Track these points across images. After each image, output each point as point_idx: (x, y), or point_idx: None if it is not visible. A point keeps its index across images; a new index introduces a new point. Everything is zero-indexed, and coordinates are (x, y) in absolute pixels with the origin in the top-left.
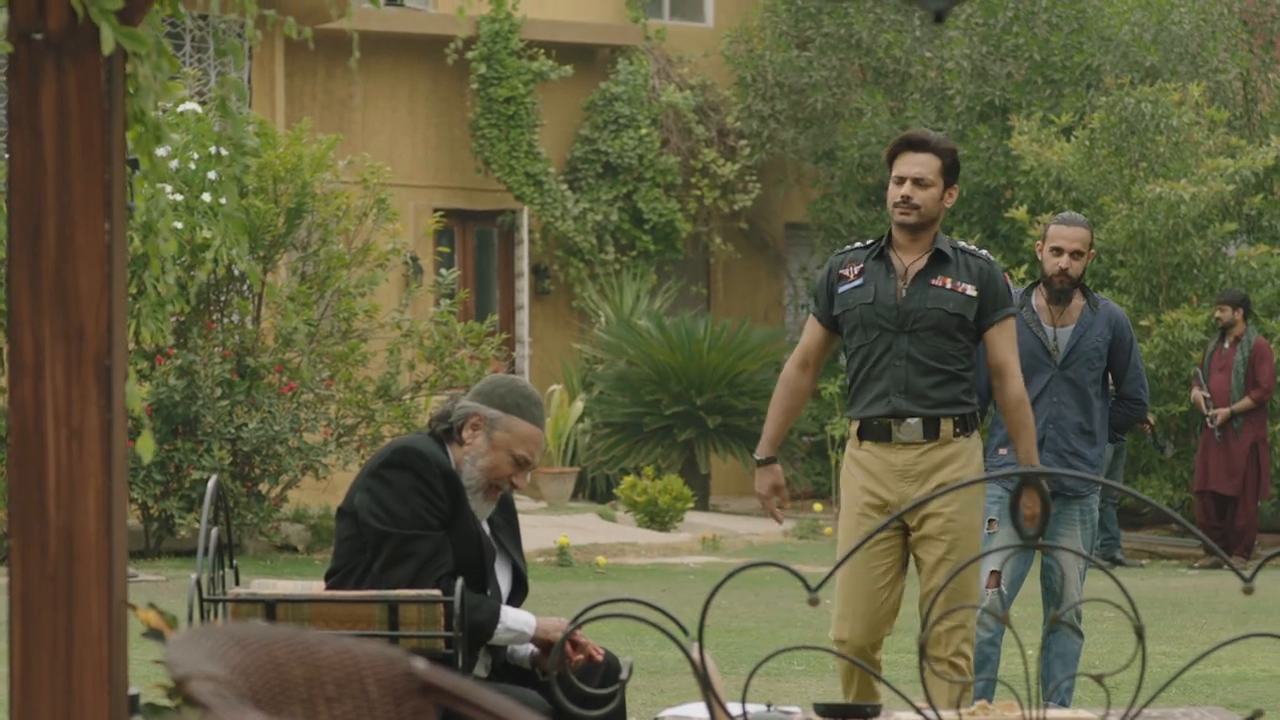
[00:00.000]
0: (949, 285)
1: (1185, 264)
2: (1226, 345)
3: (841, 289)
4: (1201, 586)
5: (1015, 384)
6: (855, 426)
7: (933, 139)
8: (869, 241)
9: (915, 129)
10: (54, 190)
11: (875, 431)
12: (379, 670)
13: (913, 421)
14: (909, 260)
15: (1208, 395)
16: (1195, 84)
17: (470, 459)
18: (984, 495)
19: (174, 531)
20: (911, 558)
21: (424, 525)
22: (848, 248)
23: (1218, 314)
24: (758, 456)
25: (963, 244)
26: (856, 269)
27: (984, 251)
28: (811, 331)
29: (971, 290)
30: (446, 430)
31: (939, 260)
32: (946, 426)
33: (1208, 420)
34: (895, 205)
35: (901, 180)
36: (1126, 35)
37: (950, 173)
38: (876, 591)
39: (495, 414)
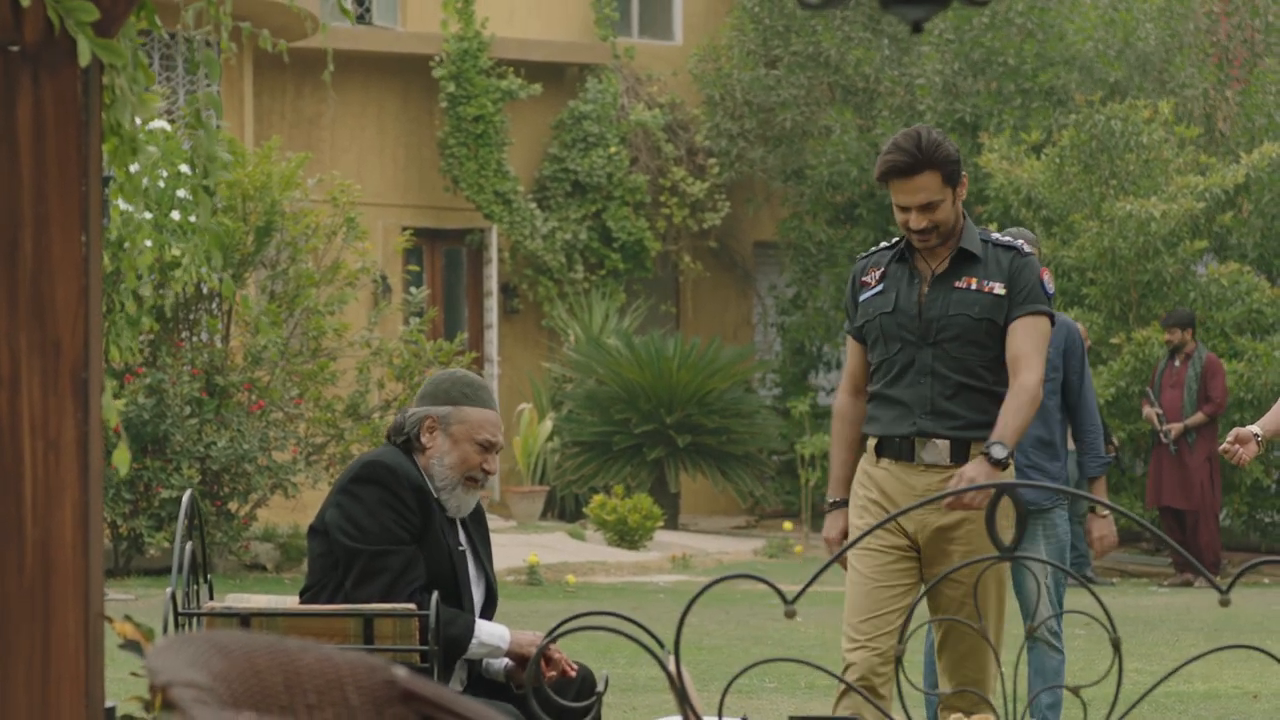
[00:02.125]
0: (974, 286)
1: (1155, 282)
2: (1178, 363)
3: (863, 297)
4: (1172, 604)
5: (1029, 376)
6: (873, 443)
7: (920, 156)
8: (894, 241)
9: (895, 150)
10: (30, 202)
11: (896, 449)
12: (360, 678)
13: (940, 443)
14: (934, 263)
15: (1160, 412)
16: (1165, 101)
17: (437, 460)
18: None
19: (143, 550)
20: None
21: (394, 540)
22: (871, 250)
23: (1167, 337)
24: (830, 499)
25: (998, 235)
26: (878, 273)
27: (1021, 242)
28: (852, 352)
29: (1000, 289)
30: (406, 441)
31: (965, 260)
32: (976, 450)
33: (1161, 436)
34: (910, 232)
35: (906, 209)
36: (1091, 52)
37: (953, 176)
38: (887, 614)
39: (445, 410)
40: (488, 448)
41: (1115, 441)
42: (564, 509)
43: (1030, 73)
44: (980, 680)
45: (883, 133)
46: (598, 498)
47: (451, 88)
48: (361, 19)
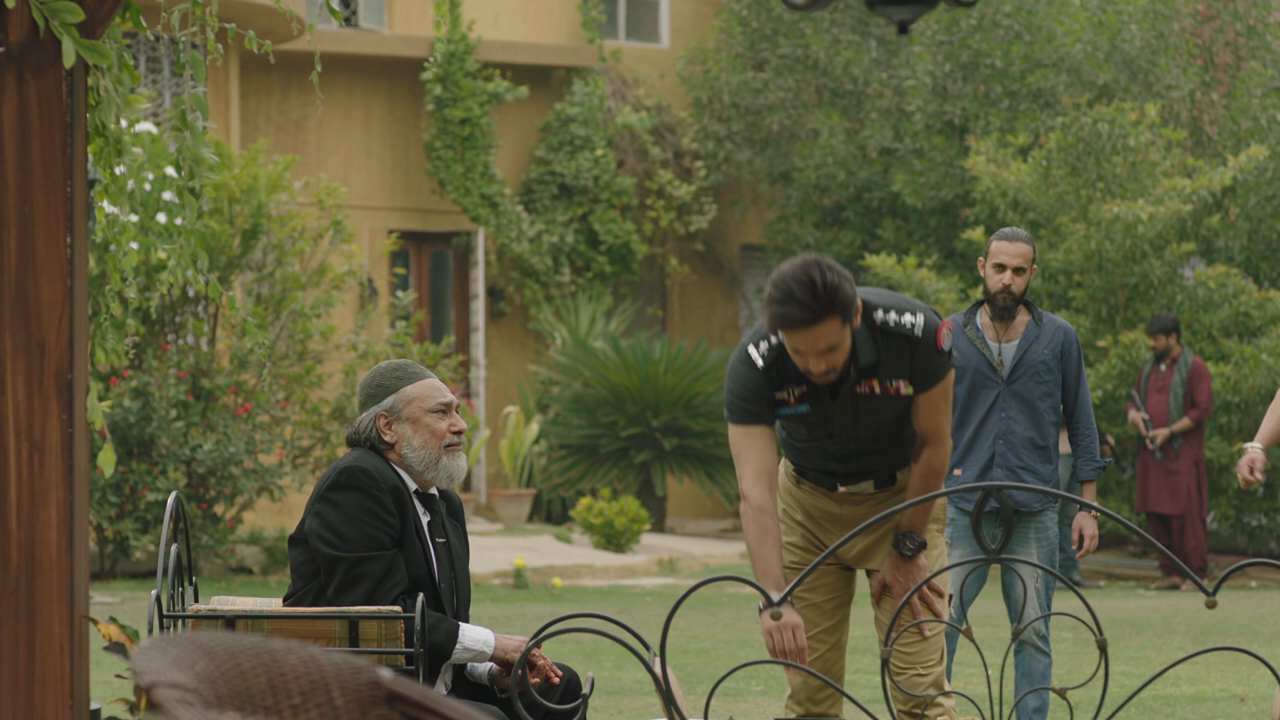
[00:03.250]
0: (878, 390)
1: (1142, 284)
2: (1163, 367)
3: (783, 411)
4: (1159, 607)
5: (942, 450)
6: (793, 468)
7: (819, 306)
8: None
9: (791, 302)
10: (15, 203)
11: (817, 479)
12: (344, 679)
13: (864, 483)
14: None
15: (1146, 417)
16: (1151, 104)
17: (408, 449)
18: (939, 550)
19: (129, 554)
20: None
21: (375, 545)
22: (766, 359)
23: (1152, 344)
24: (775, 598)
25: (880, 313)
26: (797, 393)
27: (906, 316)
28: (757, 444)
29: (905, 387)
30: (372, 445)
31: (860, 368)
32: (903, 475)
33: (1147, 442)
34: (810, 374)
35: (801, 353)
36: (1079, 54)
37: (849, 312)
38: (820, 632)
39: (389, 401)
40: (445, 410)
41: (1111, 442)
42: (551, 512)
43: (1019, 75)
44: (933, 679)
45: (870, 135)
46: (584, 501)
47: (438, 90)
48: (348, 21)
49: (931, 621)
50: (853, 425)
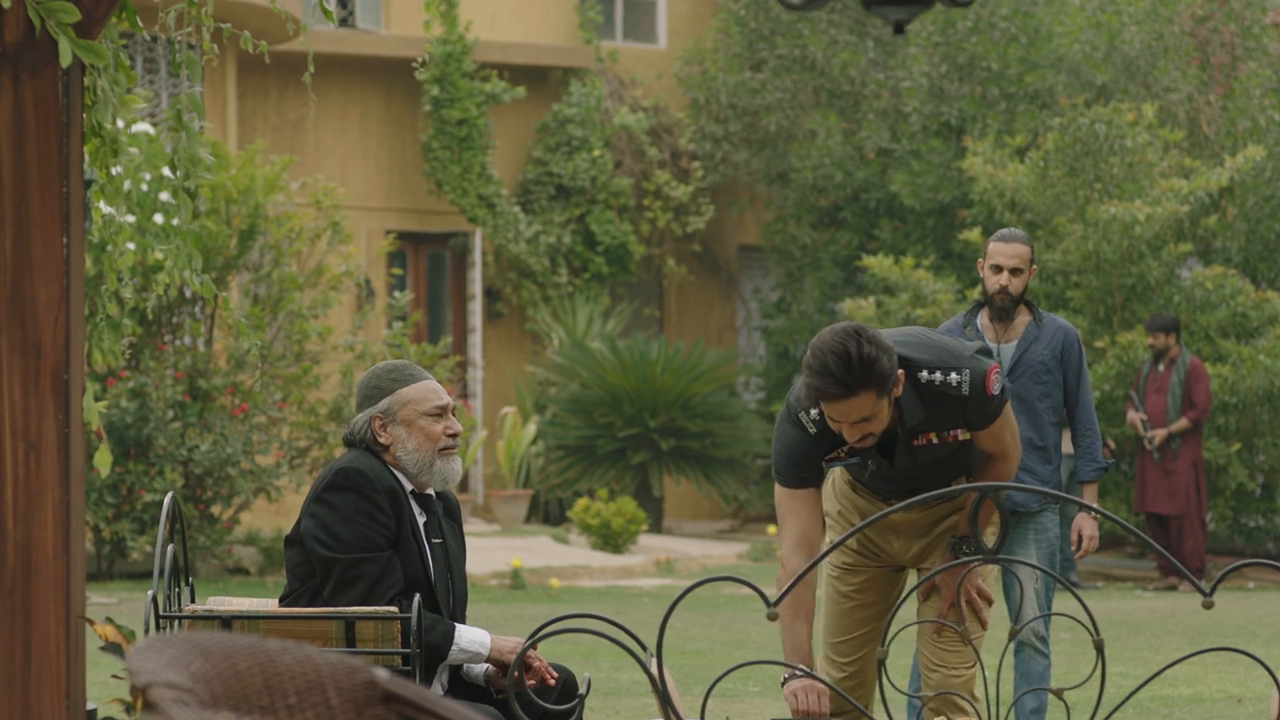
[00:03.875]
0: (936, 440)
1: (1140, 285)
2: (1161, 368)
3: (835, 464)
4: (1157, 608)
5: (1009, 465)
6: (848, 473)
7: (854, 381)
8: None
9: (826, 375)
10: (10, 203)
11: (866, 477)
12: (340, 679)
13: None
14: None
15: (1144, 417)
16: (1149, 104)
17: (402, 451)
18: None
19: (126, 554)
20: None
21: (370, 546)
22: (815, 427)
23: (1151, 341)
24: (793, 673)
25: (926, 374)
26: (844, 451)
27: (953, 376)
28: (801, 508)
29: (963, 434)
30: (367, 447)
31: (910, 428)
32: (959, 483)
33: (1145, 442)
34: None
35: (838, 421)
36: (1077, 54)
37: (887, 386)
38: (864, 634)
39: (385, 403)
40: (440, 413)
41: (1111, 444)
42: (548, 513)
43: (1015, 76)
44: (964, 680)
45: (868, 136)
46: (582, 501)
47: (435, 91)
48: (344, 22)
49: (945, 623)
50: (912, 466)
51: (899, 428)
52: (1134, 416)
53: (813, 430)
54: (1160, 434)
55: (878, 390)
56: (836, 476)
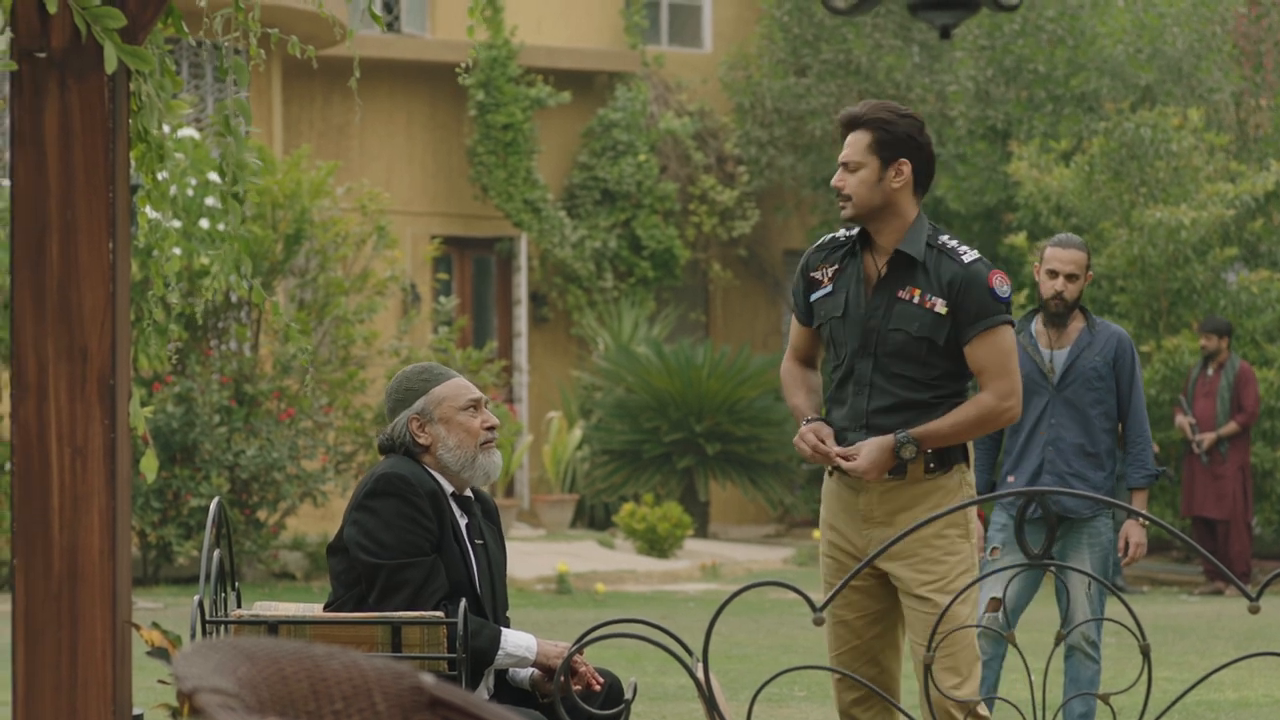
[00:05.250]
0: (916, 299)
1: (1185, 289)
2: (1210, 372)
3: (814, 296)
4: (1203, 613)
5: (987, 395)
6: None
7: (860, 115)
8: (853, 231)
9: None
10: (57, 209)
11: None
12: (386, 685)
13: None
14: (879, 262)
15: (1193, 421)
16: (1194, 108)
17: (444, 450)
18: (969, 539)
19: (172, 559)
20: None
21: (414, 551)
22: (824, 240)
23: (1203, 342)
24: (806, 419)
25: (945, 239)
26: (830, 271)
27: (966, 250)
28: (796, 330)
29: (941, 306)
30: (407, 450)
31: (905, 264)
32: (916, 462)
33: (1194, 446)
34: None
35: (841, 166)
36: (1121, 55)
37: (888, 146)
38: (860, 646)
39: (419, 404)
40: (475, 407)
41: (1156, 449)
42: (593, 517)
43: (1062, 79)
44: (963, 663)
45: None
46: (627, 506)
47: (481, 96)
48: (390, 27)
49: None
50: (882, 324)
51: (889, 268)
52: (1182, 420)
53: (816, 243)
54: (1209, 438)
55: (872, 135)
56: (825, 483)
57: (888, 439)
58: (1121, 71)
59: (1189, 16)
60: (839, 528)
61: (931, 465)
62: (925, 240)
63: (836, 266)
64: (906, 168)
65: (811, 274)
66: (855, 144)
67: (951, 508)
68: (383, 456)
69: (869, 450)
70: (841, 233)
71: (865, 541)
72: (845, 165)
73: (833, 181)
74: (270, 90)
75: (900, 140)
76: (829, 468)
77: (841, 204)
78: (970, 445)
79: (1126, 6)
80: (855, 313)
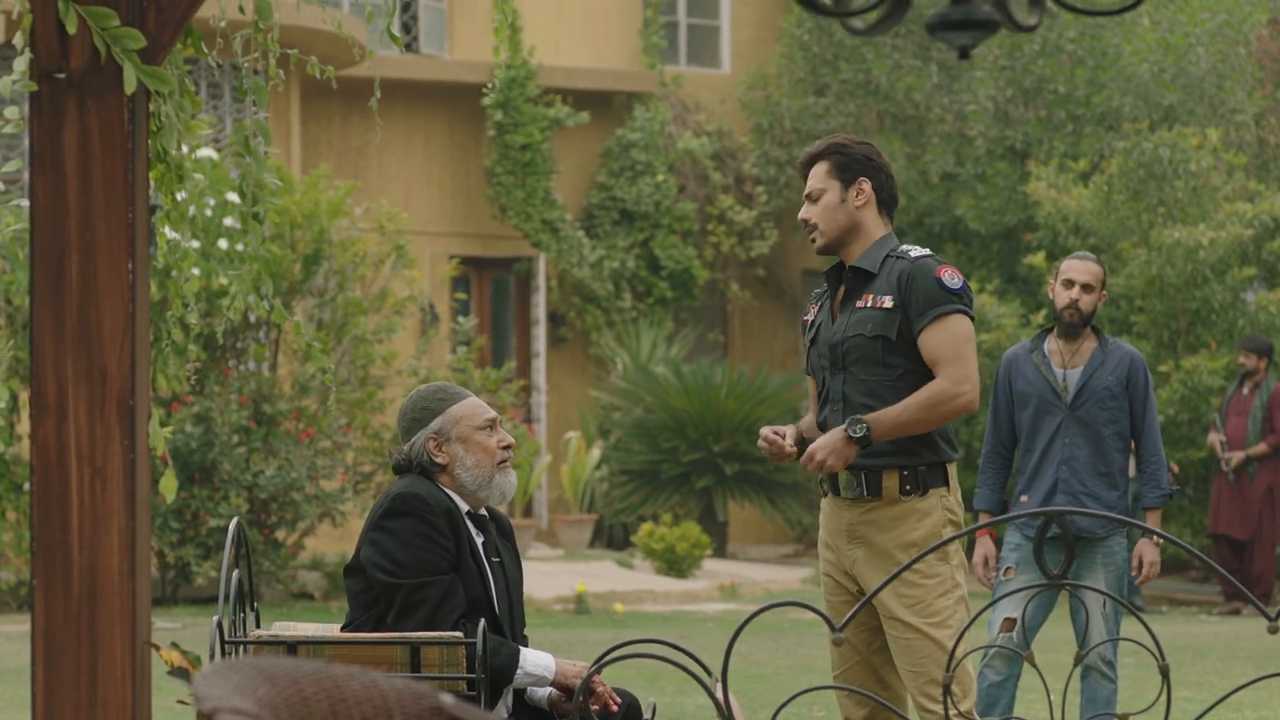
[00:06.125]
0: (870, 303)
1: (1204, 309)
2: (1245, 391)
3: (806, 336)
4: (1221, 633)
5: (940, 381)
6: (821, 475)
7: (818, 151)
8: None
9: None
10: (76, 229)
11: (830, 481)
12: (406, 705)
13: (852, 476)
14: (844, 285)
15: (1224, 439)
16: (1213, 128)
17: (461, 470)
18: (947, 561)
19: (191, 579)
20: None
21: (432, 570)
22: (820, 287)
23: (1242, 359)
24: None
25: (905, 247)
26: (815, 309)
27: (916, 250)
28: (810, 386)
29: (889, 301)
30: (423, 470)
31: (861, 278)
32: (890, 481)
33: (1222, 464)
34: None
35: (806, 199)
36: (1146, 74)
37: (846, 169)
38: (855, 667)
39: (436, 423)
40: (491, 426)
41: (1175, 470)
42: (612, 537)
43: (1083, 99)
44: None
45: (932, 160)
46: (646, 526)
47: (499, 116)
48: (409, 47)
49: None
50: (843, 336)
51: (848, 285)
52: (1214, 438)
53: (807, 305)
54: (1238, 456)
55: (830, 163)
56: (822, 504)
57: (840, 426)
58: (1145, 91)
59: (1214, 37)
60: (833, 546)
61: (907, 487)
62: (885, 254)
63: (819, 305)
64: (867, 185)
65: (805, 319)
66: (815, 175)
67: (958, 534)
68: (397, 476)
69: (824, 439)
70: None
71: (850, 561)
72: (809, 197)
73: (800, 215)
74: (289, 110)
75: (857, 161)
76: (823, 489)
77: (811, 236)
78: (952, 470)
79: (1152, 26)
80: (825, 335)
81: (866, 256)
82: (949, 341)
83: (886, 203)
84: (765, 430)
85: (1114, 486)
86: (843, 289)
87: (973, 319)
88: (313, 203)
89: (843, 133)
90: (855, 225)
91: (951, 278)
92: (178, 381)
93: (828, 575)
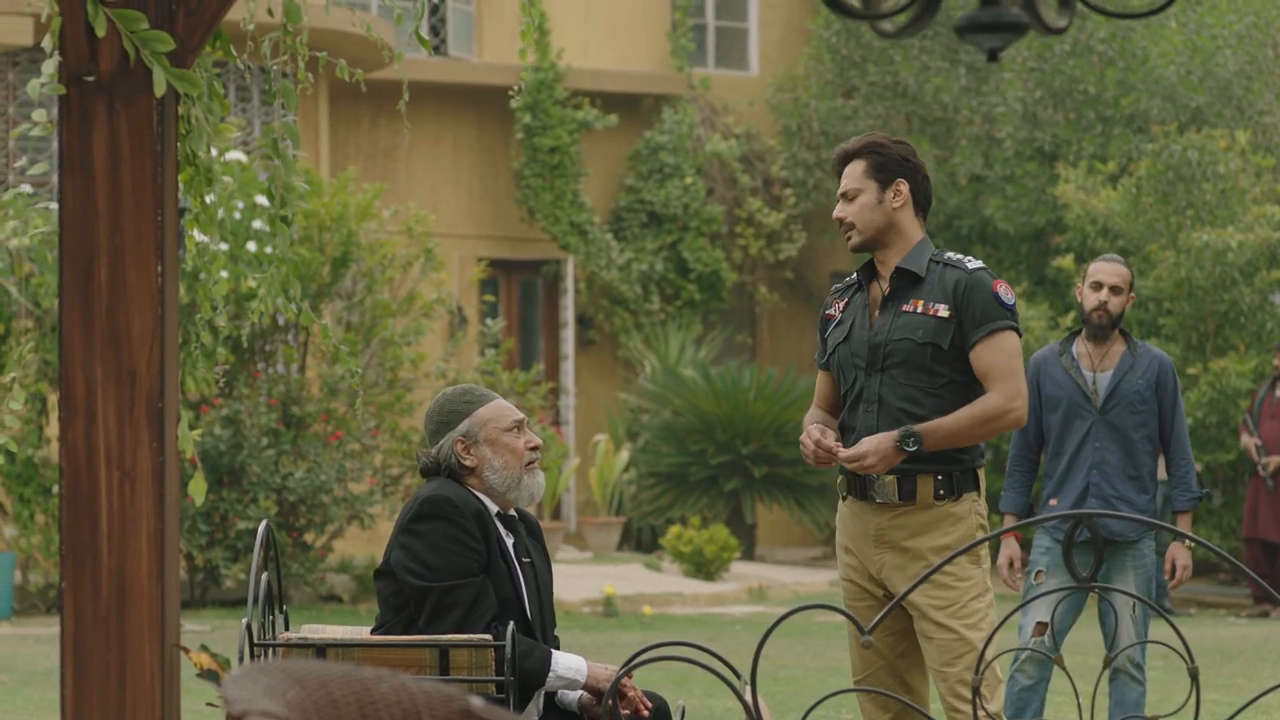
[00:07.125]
0: (920, 309)
1: (1232, 312)
2: (1278, 393)
3: (828, 330)
4: (1250, 635)
5: (993, 397)
6: (841, 479)
7: (853, 149)
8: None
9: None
10: (105, 232)
11: (856, 485)
12: (435, 708)
13: (888, 479)
14: (884, 284)
15: (1259, 443)
16: (1241, 130)
17: (490, 472)
18: (979, 565)
19: (219, 582)
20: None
21: (463, 573)
22: (841, 283)
23: (1276, 361)
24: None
25: (950, 254)
26: (841, 305)
27: (970, 260)
28: (820, 379)
29: (944, 310)
30: (451, 473)
31: (908, 280)
32: (925, 487)
33: (1259, 468)
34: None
35: (841, 197)
36: (1173, 76)
37: (883, 169)
38: (877, 672)
39: (464, 426)
40: (518, 428)
41: (1199, 470)
42: (640, 540)
43: (1112, 100)
44: (984, 684)
45: (960, 161)
46: (674, 529)
47: (527, 119)
48: (437, 50)
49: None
50: (888, 337)
51: (893, 285)
52: (1248, 441)
53: (827, 298)
54: (1274, 460)
55: (867, 163)
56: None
57: (891, 433)
58: (1173, 93)
59: (1241, 40)
60: (854, 550)
61: (941, 492)
62: (929, 258)
63: (846, 300)
64: (904, 187)
65: (827, 312)
66: (851, 173)
67: (988, 535)
68: (424, 479)
69: (872, 443)
70: (854, 275)
71: (878, 566)
72: (844, 195)
73: (834, 214)
74: (317, 113)
75: (895, 162)
76: (842, 492)
77: (846, 234)
78: (981, 475)
79: (1180, 28)
80: (860, 333)
81: (911, 259)
82: (1002, 358)
83: (922, 204)
84: (819, 437)
85: (1144, 490)
86: (882, 288)
87: (1020, 335)
88: (341, 205)
89: (878, 133)
90: (892, 226)
91: (1006, 293)
92: (206, 384)
93: (849, 580)
